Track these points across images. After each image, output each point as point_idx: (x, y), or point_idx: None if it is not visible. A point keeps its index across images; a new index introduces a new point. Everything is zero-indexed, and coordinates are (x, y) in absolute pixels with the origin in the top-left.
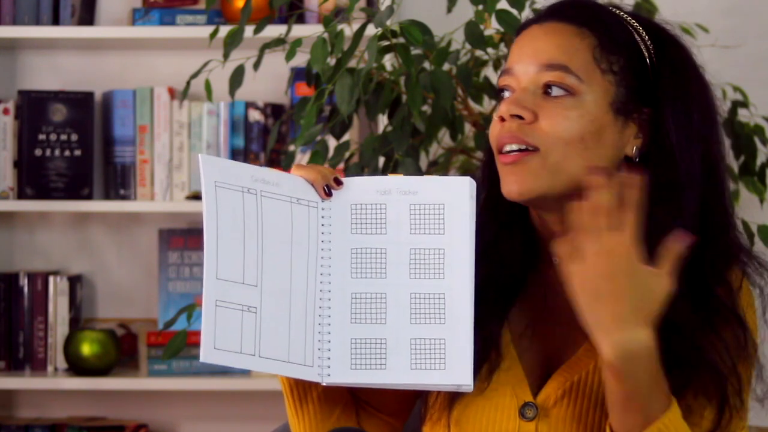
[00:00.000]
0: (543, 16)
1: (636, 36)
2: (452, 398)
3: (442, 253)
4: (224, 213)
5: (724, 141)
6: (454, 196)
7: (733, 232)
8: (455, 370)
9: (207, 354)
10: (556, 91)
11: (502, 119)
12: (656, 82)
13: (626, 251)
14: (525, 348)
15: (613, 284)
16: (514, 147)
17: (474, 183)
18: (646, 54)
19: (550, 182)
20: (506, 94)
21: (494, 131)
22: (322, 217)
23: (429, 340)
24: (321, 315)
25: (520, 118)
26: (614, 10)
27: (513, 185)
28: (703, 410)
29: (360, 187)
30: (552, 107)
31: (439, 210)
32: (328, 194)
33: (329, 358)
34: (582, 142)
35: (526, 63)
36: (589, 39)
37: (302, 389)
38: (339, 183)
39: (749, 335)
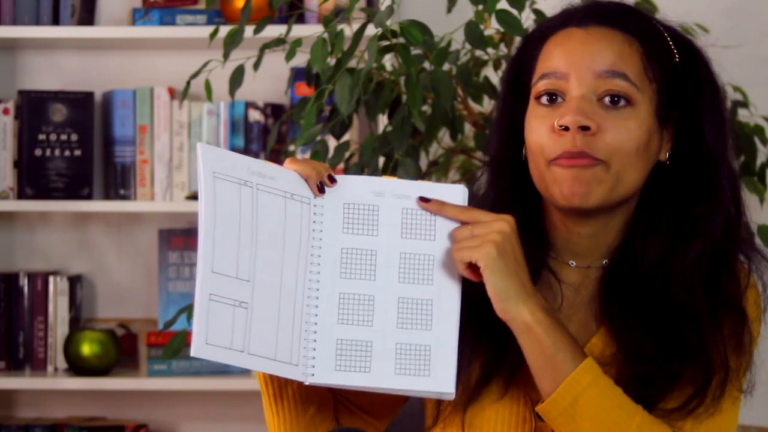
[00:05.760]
0: (584, 19)
1: (670, 43)
2: (467, 401)
3: (431, 260)
4: (221, 204)
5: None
6: None
7: (746, 228)
8: (439, 377)
9: (198, 349)
10: (616, 101)
11: (564, 128)
12: (687, 87)
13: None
14: None
15: (507, 261)
16: (578, 157)
17: (467, 191)
18: (678, 61)
19: (611, 192)
20: (544, 99)
21: (547, 140)
22: (314, 214)
23: (414, 345)
24: (308, 313)
25: (586, 128)
26: (648, 16)
27: (577, 192)
28: (679, 392)
29: (354, 187)
30: (614, 118)
31: (432, 216)
32: (321, 191)
33: (314, 358)
34: (637, 153)
35: (582, 69)
36: (637, 47)
37: (278, 384)
38: (333, 180)
39: (747, 328)
